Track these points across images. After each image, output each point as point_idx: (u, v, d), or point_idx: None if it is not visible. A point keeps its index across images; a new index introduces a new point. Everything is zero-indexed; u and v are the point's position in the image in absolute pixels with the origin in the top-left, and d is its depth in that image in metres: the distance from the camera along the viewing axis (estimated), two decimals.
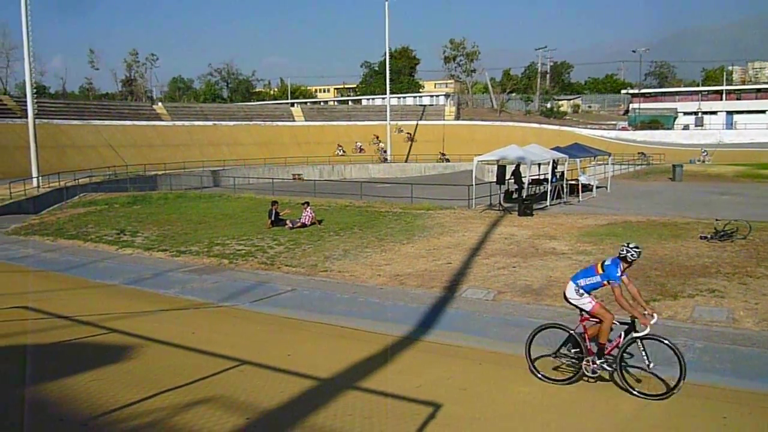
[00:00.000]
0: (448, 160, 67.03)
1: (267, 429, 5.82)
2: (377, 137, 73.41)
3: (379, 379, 7.86)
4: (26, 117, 42.15)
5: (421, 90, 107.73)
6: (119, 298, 13.50)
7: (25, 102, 42.11)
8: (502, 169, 27.13)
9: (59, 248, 20.28)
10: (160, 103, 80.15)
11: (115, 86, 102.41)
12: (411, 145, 72.32)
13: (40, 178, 39.22)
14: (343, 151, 70.40)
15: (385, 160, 66.85)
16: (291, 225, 22.14)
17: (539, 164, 30.24)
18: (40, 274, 15.89)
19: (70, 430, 5.43)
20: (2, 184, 36.95)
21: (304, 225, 22.22)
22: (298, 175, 57.10)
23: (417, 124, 77.36)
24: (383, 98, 77.58)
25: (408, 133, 76.29)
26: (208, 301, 12.97)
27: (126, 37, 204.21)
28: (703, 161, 52.39)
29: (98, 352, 8.35)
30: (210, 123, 72.84)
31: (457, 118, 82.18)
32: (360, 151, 71.66)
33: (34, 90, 41.70)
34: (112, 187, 41.29)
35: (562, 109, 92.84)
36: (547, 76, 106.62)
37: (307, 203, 23.44)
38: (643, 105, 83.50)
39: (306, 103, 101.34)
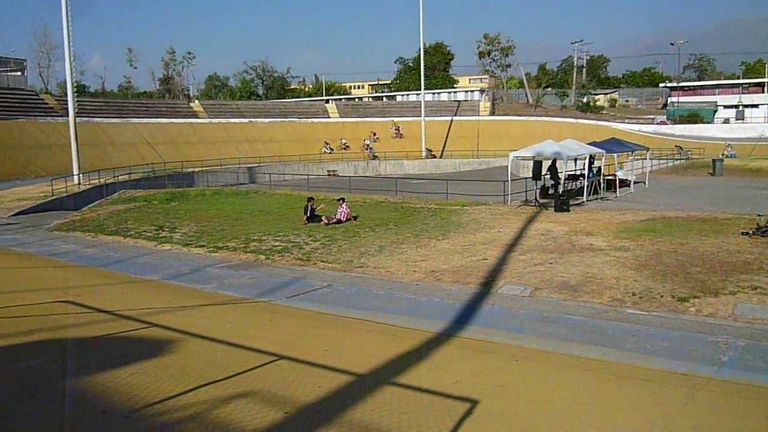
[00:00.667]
0: (434, 157, 67.02)
1: (304, 423, 5.85)
2: (374, 133, 73.45)
3: (416, 375, 7.84)
4: (67, 115, 42.98)
5: (455, 86, 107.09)
6: (159, 293, 13.71)
7: (66, 101, 42.96)
8: (538, 165, 26.92)
9: (100, 244, 20.65)
10: (196, 101, 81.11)
11: (152, 84, 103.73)
12: (446, 142, 71.96)
13: (80, 175, 39.90)
14: (331, 149, 69.76)
15: (375, 157, 66.61)
16: (326, 221, 22.24)
17: (575, 159, 29.90)
18: (82, 270, 16.19)
19: (114, 422, 5.52)
20: (44, 182, 37.79)
21: (339, 221, 22.31)
22: (333, 171, 57.32)
23: (451, 120, 76.90)
24: (418, 94, 77.34)
25: (397, 127, 76.74)
26: (245, 296, 13.09)
27: (163, 36, 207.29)
28: (727, 156, 50.80)
29: (139, 346, 8.48)
30: (246, 120, 73.46)
31: (492, 113, 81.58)
32: (345, 149, 70.75)
33: (75, 89, 42.43)
34: (151, 184, 41.93)
35: (598, 103, 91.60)
36: (584, 70, 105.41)
37: (343, 199, 23.53)
38: (682, 98, 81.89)
39: (341, 99, 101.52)
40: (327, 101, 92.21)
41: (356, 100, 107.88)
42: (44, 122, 57.28)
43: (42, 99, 65.21)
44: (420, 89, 71.32)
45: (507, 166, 29.21)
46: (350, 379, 7.46)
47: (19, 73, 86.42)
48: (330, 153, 68.64)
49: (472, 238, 18.69)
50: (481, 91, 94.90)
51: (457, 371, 8.09)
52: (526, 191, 27.97)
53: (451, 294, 12.64)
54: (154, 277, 15.40)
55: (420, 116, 68.90)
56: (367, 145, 70.15)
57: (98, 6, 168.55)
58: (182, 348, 8.41)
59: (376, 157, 66.77)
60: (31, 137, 53.90)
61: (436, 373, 7.95)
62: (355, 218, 22.80)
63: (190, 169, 52.23)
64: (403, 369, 8.08)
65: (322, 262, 16.19)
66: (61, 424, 5.28)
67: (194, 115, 72.76)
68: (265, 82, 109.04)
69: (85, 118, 56.02)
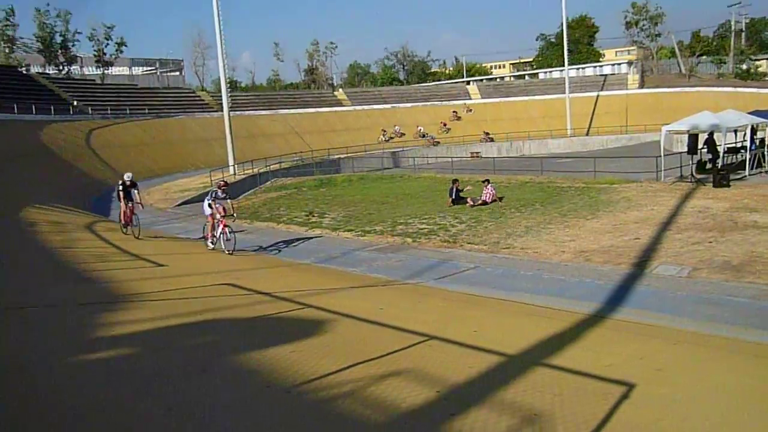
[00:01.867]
0: (492, 140, 63.39)
1: (457, 402, 5.88)
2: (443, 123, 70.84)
3: (567, 357, 7.67)
4: (222, 110, 45.45)
5: (601, 59, 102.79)
6: (311, 275, 14.26)
7: (221, 97, 45.41)
8: (693, 138, 25.35)
9: (256, 230, 21.77)
10: (340, 90, 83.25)
11: (298, 76, 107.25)
12: (592, 118, 69.35)
13: (235, 166, 42.14)
14: (389, 138, 67.10)
15: (437, 143, 64.08)
16: (472, 203, 22.18)
17: (735, 131, 27.88)
18: (240, 254, 17.14)
19: (276, 397, 5.81)
20: (203, 173, 40.29)
21: (485, 203, 22.18)
22: (476, 153, 56.91)
23: (598, 95, 73.93)
24: (561, 70, 75.04)
25: (469, 109, 74.30)
26: (393, 278, 13.34)
27: (307, 28, 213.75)
28: None
29: (296, 326, 8.86)
30: (388, 106, 74.50)
31: (641, 86, 77.47)
32: (400, 136, 67.55)
33: (228, 85, 44.75)
34: (300, 172, 43.58)
35: (760, 69, 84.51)
36: (743, 34, 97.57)
37: (488, 181, 23.36)
38: None
39: (482, 80, 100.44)
40: (468, 83, 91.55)
41: (498, 80, 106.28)
42: (201, 118, 61.03)
43: (198, 96, 69.50)
44: (563, 65, 69.09)
45: (659, 141, 27.78)
46: (500, 360, 7.42)
47: (177, 73, 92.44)
48: (387, 141, 66.30)
49: (623, 217, 18.00)
50: (629, 63, 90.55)
51: (610, 354, 7.83)
52: (680, 167, 26.46)
53: (603, 275, 12.25)
54: (306, 260, 16.03)
55: (564, 93, 66.80)
56: (421, 131, 67.83)
57: (245, 4, 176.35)
58: (336, 328, 8.70)
59: (438, 142, 64.50)
60: (190, 132, 57.64)
61: (589, 355, 7.73)
62: (500, 199, 22.58)
63: (336, 156, 53.74)
64: (554, 350, 7.93)
65: (469, 243, 16.18)
66: (232, 398, 5.63)
67: (338, 103, 74.73)
68: (405, 67, 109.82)
69: (238, 112, 59.03)
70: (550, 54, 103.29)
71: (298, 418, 5.39)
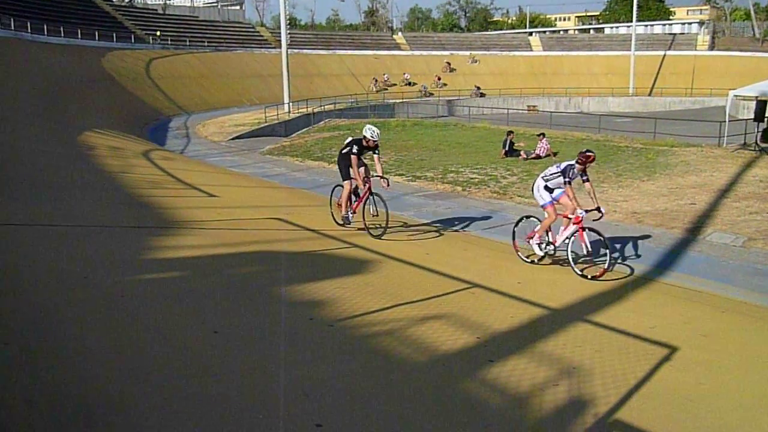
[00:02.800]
0: (483, 95, 60.40)
1: (496, 349, 5.93)
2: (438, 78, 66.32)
3: (611, 315, 7.64)
4: (280, 47, 45.39)
5: (671, 17, 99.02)
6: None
7: (279, 33, 45.28)
8: (761, 105, 24.35)
9: (307, 168, 21.92)
10: (399, 33, 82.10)
11: (358, 17, 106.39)
12: (656, 78, 67.15)
13: (290, 104, 42.26)
14: (383, 88, 61.62)
15: (430, 95, 60.47)
16: (525, 156, 21.90)
17: None
18: (291, 191, 17.31)
19: (318, 328, 5.94)
20: (258, 109, 40.55)
21: (538, 156, 21.88)
22: (533, 106, 55.92)
23: (664, 55, 71.27)
24: (628, 26, 72.51)
25: (474, 60, 71.30)
26: (444, 225, 13.34)
27: None
28: None
29: (341, 263, 8.99)
30: (447, 53, 73.21)
31: (711, 48, 74.24)
32: (408, 85, 63.14)
33: (287, 22, 44.57)
34: (354, 114, 43.52)
35: None
36: None
37: (543, 134, 22.98)
38: None
39: (545, 32, 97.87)
40: (530, 34, 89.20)
41: (561, 32, 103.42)
42: (259, 53, 61.13)
43: (258, 32, 69.49)
44: (631, 21, 66.71)
45: (724, 106, 26.83)
46: (543, 312, 7.42)
47: (237, 7, 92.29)
48: (377, 92, 60.69)
49: (680, 181, 17.57)
50: (700, 23, 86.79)
51: (655, 316, 7.75)
52: (744, 134, 25.56)
53: (654, 237, 12.04)
54: None
55: (629, 50, 64.71)
56: (407, 78, 64.13)
57: None
58: (380, 268, 8.79)
59: (431, 94, 60.69)
60: (247, 68, 57.79)
61: (633, 316, 7.68)
62: (554, 154, 22.23)
63: (391, 101, 53.40)
64: (598, 308, 7.90)
65: (519, 196, 16.03)
66: (276, 326, 5.77)
67: (397, 47, 73.82)
68: (467, 14, 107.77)
69: (296, 50, 58.82)
70: (618, 8, 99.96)
71: (340, 351, 5.51)
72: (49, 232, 8.22)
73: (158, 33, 55.69)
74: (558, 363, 5.64)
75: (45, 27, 41.14)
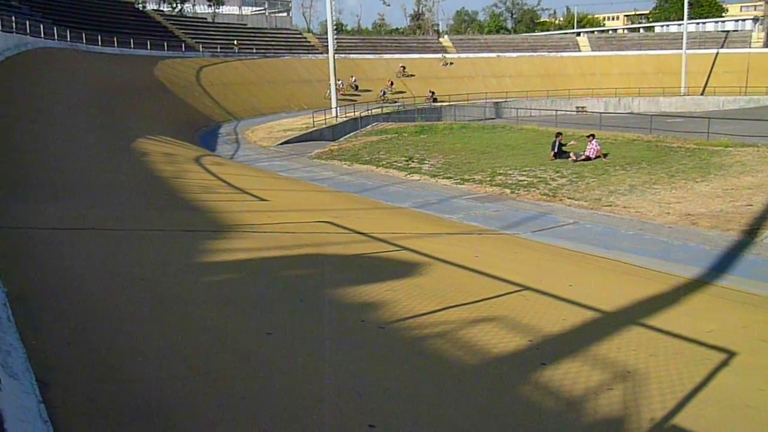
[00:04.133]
0: (435, 100, 56.67)
1: (549, 352, 5.87)
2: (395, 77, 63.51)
3: (666, 319, 7.48)
4: (327, 52, 45.77)
5: (723, 14, 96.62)
6: (408, 219, 14.38)
7: (326, 39, 45.73)
8: None
9: (355, 172, 22.06)
10: (446, 36, 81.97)
11: (404, 21, 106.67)
12: (708, 77, 65.57)
13: (338, 108, 42.56)
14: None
15: (386, 100, 56.53)
16: (574, 158, 21.62)
17: None
18: (339, 194, 17.45)
19: (370, 331, 5.97)
20: (306, 114, 40.96)
21: (588, 158, 21.57)
22: (582, 107, 55.22)
23: (717, 53, 69.54)
24: (679, 24, 70.96)
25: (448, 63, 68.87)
26: (490, 228, 13.29)
27: None
28: None
29: (391, 266, 9.00)
30: (493, 55, 72.86)
31: (767, 45, 72.37)
32: (355, 88, 59.00)
33: (334, 28, 44.90)
34: (401, 118, 43.60)
35: None
36: None
37: (593, 136, 22.65)
38: None
39: (593, 32, 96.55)
40: (578, 34, 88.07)
41: (610, 32, 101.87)
42: (306, 59, 61.77)
43: (305, 38, 70.22)
44: (682, 18, 65.31)
45: None
46: (596, 315, 7.32)
47: (284, 14, 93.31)
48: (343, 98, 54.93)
49: (735, 182, 17.15)
50: (755, 19, 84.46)
51: (711, 320, 7.59)
52: None
53: (709, 240, 11.79)
54: (404, 204, 16.16)
55: (680, 49, 63.38)
56: (353, 81, 59.49)
57: None
58: (431, 271, 8.78)
59: (388, 99, 56.76)
60: (295, 73, 58.46)
61: (688, 320, 7.51)
62: (605, 156, 21.90)
63: (439, 104, 53.32)
64: (652, 312, 7.75)
65: (569, 198, 15.87)
66: (328, 328, 5.83)
67: (443, 50, 73.72)
68: (514, 16, 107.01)
69: (343, 55, 59.17)
70: (668, 6, 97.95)
71: (391, 354, 5.53)
72: (105, 235, 8.44)
73: (236, 42, 57.32)
74: (612, 366, 5.56)
75: (99, 37, 42.39)
